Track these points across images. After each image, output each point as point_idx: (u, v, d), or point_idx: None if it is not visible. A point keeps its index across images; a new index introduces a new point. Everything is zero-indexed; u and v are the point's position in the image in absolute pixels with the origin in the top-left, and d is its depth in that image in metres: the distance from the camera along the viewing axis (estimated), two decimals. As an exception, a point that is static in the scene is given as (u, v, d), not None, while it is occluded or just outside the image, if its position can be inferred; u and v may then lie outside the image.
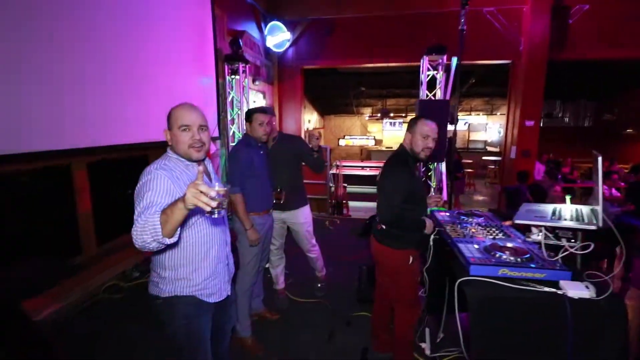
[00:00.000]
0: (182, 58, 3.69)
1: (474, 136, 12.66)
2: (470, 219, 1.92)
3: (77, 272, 2.86)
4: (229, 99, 4.68)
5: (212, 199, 0.93)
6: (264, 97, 6.50)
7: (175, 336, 1.31)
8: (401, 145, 1.89)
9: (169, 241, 1.01)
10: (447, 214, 2.05)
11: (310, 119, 10.71)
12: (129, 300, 2.77)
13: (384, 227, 1.85)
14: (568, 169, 8.21)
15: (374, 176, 7.84)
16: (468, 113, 12.73)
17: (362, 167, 8.59)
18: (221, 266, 1.38)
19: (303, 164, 2.55)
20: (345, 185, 7.02)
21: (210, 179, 1.40)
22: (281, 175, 2.42)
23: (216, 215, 0.98)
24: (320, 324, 2.51)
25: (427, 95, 4.38)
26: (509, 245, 1.48)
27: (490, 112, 12.59)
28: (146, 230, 0.98)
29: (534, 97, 5.55)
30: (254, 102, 5.98)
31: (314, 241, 2.79)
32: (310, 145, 2.37)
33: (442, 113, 3.53)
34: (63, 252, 3.01)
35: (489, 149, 12.22)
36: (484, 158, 11.11)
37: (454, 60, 3.98)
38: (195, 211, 1.12)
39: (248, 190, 2.13)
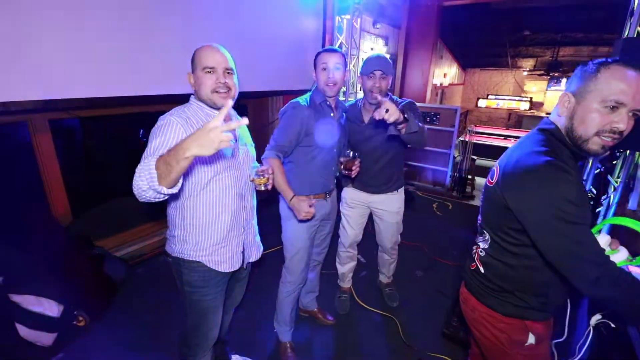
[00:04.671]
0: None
1: None
2: None
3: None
4: (336, 44, 3.99)
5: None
6: (386, 44, 5.52)
7: (183, 300, 1.27)
8: (545, 123, 0.94)
9: (167, 191, 0.90)
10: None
11: (446, 73, 8.89)
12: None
13: (482, 270, 1.02)
14: None
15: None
16: None
17: (505, 137, 6.73)
18: (234, 234, 1.26)
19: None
20: (475, 157, 5.62)
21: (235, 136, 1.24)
22: (379, 150, 1.76)
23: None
24: (381, 349, 1.90)
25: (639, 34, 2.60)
26: None
27: None
28: (142, 175, 0.89)
29: None
30: (372, 49, 5.12)
31: (399, 238, 2.11)
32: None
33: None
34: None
35: None
36: None
37: None
38: (209, 171, 1.12)
39: (296, 164, 1.58)
